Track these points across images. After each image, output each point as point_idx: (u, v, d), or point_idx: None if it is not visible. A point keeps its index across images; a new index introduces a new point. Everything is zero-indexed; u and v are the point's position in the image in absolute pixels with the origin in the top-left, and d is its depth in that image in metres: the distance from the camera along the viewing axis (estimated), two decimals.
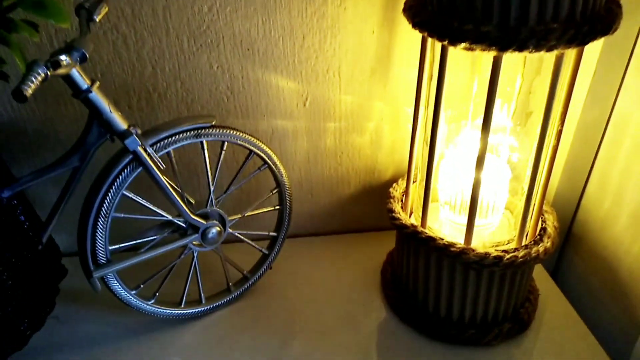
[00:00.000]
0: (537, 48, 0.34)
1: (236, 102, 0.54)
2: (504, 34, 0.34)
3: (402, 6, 0.44)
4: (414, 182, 0.53)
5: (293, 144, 0.58)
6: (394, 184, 0.55)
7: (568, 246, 0.60)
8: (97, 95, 0.39)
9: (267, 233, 0.56)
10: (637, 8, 0.46)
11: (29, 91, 0.31)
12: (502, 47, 0.35)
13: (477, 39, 0.35)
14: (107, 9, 0.40)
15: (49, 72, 0.33)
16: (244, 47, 0.51)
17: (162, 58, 0.50)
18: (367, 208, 0.64)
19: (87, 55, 0.37)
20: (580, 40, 0.35)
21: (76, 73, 0.37)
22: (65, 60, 0.34)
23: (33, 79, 0.31)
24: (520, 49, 0.34)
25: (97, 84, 0.39)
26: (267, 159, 0.51)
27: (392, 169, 0.62)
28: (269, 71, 0.53)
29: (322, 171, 0.61)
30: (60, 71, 0.35)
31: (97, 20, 0.40)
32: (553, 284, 0.57)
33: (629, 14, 0.45)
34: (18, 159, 0.55)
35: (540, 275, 0.58)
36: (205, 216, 0.50)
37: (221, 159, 0.49)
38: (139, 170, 0.44)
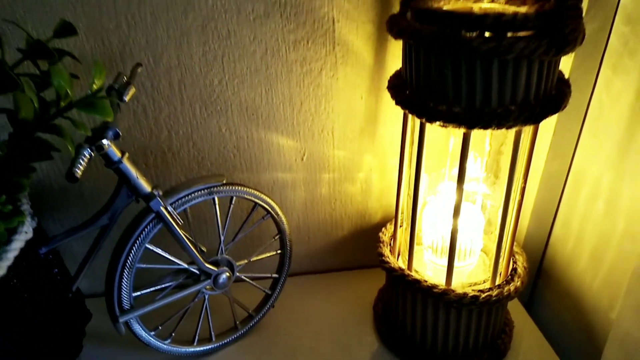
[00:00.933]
0: (499, 126, 0.41)
1: (242, 159, 0.60)
2: (471, 115, 0.41)
3: (387, 77, 0.51)
4: (400, 226, 0.59)
5: (292, 193, 0.64)
6: (383, 229, 0.61)
7: (540, 281, 0.66)
8: (126, 165, 0.45)
9: (269, 275, 0.62)
10: (589, 74, 0.53)
11: (79, 173, 0.37)
12: (470, 126, 0.41)
13: (449, 119, 0.42)
14: (134, 90, 0.46)
15: (92, 154, 0.39)
16: (249, 112, 0.57)
17: (176, 123, 0.56)
18: (359, 248, 0.70)
19: (120, 134, 0.43)
20: (534, 119, 0.41)
21: (111, 149, 0.43)
22: (107, 143, 0.40)
23: (81, 161, 0.37)
24: (484, 127, 0.41)
25: (127, 155, 0.45)
26: (270, 209, 0.57)
27: (381, 213, 0.68)
28: (270, 132, 0.59)
29: (318, 217, 0.67)
30: (102, 152, 0.41)
31: (127, 100, 0.46)
32: (527, 316, 0.63)
33: (585, 73, 0.53)
34: (44, 212, 0.60)
35: (516, 308, 0.64)
36: (215, 263, 0.55)
37: (230, 212, 0.55)
38: (159, 226, 0.50)
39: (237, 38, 0.52)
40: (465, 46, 0.38)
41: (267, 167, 0.61)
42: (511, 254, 0.55)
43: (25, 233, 0.43)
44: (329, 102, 0.58)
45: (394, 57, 0.56)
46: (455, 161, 0.54)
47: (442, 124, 0.42)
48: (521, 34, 0.38)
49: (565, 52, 0.39)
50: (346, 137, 0.61)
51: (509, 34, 0.38)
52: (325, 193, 0.65)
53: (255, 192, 0.55)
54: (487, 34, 0.38)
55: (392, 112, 0.59)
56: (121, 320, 0.50)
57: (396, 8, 0.53)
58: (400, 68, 0.49)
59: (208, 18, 0.51)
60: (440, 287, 0.51)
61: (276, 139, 0.60)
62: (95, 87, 0.37)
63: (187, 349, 0.57)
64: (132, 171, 0.46)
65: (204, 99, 0.55)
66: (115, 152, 0.44)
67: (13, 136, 0.36)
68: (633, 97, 0.48)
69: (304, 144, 0.60)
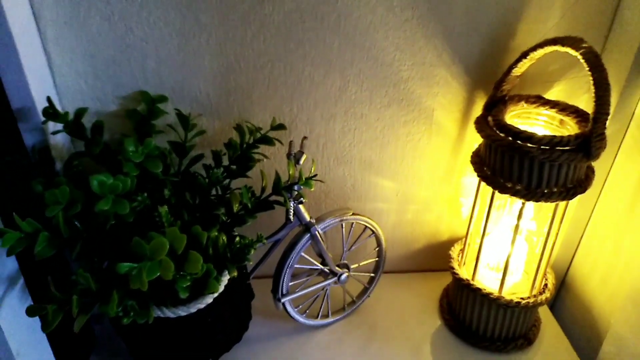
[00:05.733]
0: (546, 201, 0.62)
1: (355, 193, 0.83)
2: (528, 192, 0.62)
3: (464, 145, 0.72)
4: (468, 245, 0.80)
5: (387, 217, 0.86)
6: (452, 247, 0.83)
7: (562, 291, 0.87)
8: (301, 208, 0.68)
9: (369, 274, 0.84)
10: (609, 158, 0.73)
11: (292, 218, 0.60)
12: (527, 200, 0.62)
13: (513, 193, 0.63)
14: (306, 156, 0.68)
15: (294, 203, 0.62)
16: (366, 164, 0.79)
17: (316, 169, 0.79)
18: (430, 257, 0.92)
19: (302, 188, 0.66)
20: (569, 198, 0.62)
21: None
22: (302, 199, 0.63)
23: (292, 212, 0.60)
24: (536, 201, 0.62)
25: (306, 199, 0.68)
26: (374, 230, 0.79)
27: (448, 234, 0.89)
28: (378, 177, 0.81)
29: (402, 234, 0.89)
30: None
31: (301, 163, 0.68)
32: (551, 316, 0.85)
33: (607, 157, 0.72)
34: None
35: (543, 309, 0.85)
36: (339, 266, 0.78)
37: (351, 232, 0.77)
38: (310, 241, 0.73)
39: (366, 118, 0.74)
40: (528, 154, 0.59)
41: (372, 199, 0.84)
42: (544, 274, 0.76)
43: None
44: (422, 160, 0.79)
45: (470, 132, 0.77)
46: (514, 204, 0.75)
47: (509, 195, 0.63)
48: (565, 148, 0.59)
49: (593, 161, 0.59)
50: (430, 182, 0.82)
51: (558, 148, 0.59)
52: (409, 219, 0.87)
53: (368, 219, 0.77)
54: (543, 147, 0.59)
55: (463, 169, 0.81)
56: (283, 300, 0.74)
57: (476, 103, 0.74)
58: (478, 149, 0.70)
59: (349, 106, 0.73)
60: (495, 294, 0.73)
61: (381, 182, 0.82)
62: (311, 173, 0.60)
63: (313, 322, 0.81)
64: (302, 210, 0.69)
65: (337, 155, 0.78)
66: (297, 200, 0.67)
67: (256, 198, 0.60)
68: (638, 178, 0.68)
69: (400, 185, 0.82)
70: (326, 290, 0.80)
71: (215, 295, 0.60)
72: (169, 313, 0.58)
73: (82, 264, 0.50)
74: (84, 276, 0.46)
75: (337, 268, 0.77)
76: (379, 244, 0.82)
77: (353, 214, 0.75)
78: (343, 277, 0.78)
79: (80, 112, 0.62)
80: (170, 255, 0.48)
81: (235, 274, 0.57)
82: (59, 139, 0.67)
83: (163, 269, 0.45)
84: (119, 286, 0.49)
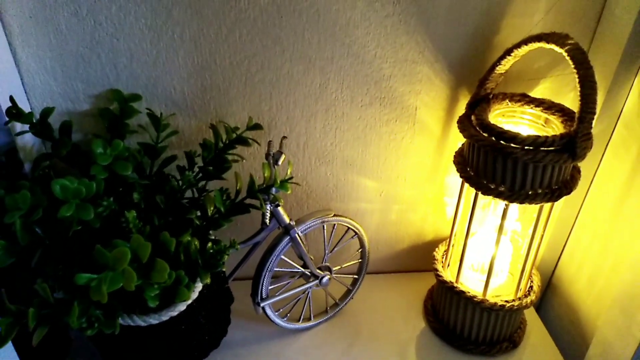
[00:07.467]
0: (530, 203, 0.60)
1: (338, 193, 0.80)
2: (512, 193, 0.60)
3: (448, 143, 0.69)
4: (452, 246, 0.78)
5: (370, 218, 0.84)
6: (436, 248, 0.81)
7: (548, 292, 0.86)
8: (279, 210, 0.66)
9: (352, 275, 0.82)
10: (597, 156, 0.71)
11: (268, 221, 0.57)
12: (511, 201, 0.60)
13: (497, 195, 0.61)
14: (285, 157, 0.66)
15: (271, 206, 0.59)
16: (348, 163, 0.77)
17: (297, 169, 0.76)
18: (414, 257, 0.90)
19: (279, 191, 0.63)
20: (554, 199, 0.60)
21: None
22: (278, 202, 0.60)
23: (268, 214, 0.58)
24: (521, 202, 0.60)
25: (282, 202, 0.65)
26: (357, 231, 0.77)
27: (433, 234, 0.87)
28: (361, 176, 0.78)
29: (386, 234, 0.86)
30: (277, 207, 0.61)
31: (280, 164, 0.65)
32: (537, 317, 0.83)
33: (594, 155, 0.70)
34: None
35: (529, 310, 0.83)
36: (320, 268, 0.76)
37: (333, 234, 0.75)
38: (290, 244, 0.70)
39: (348, 117, 0.71)
40: (512, 155, 0.57)
41: (355, 199, 0.81)
42: (530, 276, 0.74)
43: None
44: (405, 159, 0.77)
45: (454, 131, 0.74)
46: (498, 204, 0.73)
47: (492, 197, 0.61)
48: (550, 148, 0.57)
49: (579, 162, 0.57)
50: (414, 182, 0.80)
51: (542, 149, 0.57)
52: (394, 219, 0.84)
53: (351, 220, 0.75)
54: (527, 147, 0.57)
55: (447, 168, 0.78)
56: (262, 304, 0.72)
57: (460, 101, 0.72)
58: (462, 149, 0.68)
59: (330, 104, 0.70)
60: (479, 297, 0.71)
61: (364, 181, 0.79)
62: (287, 176, 0.58)
63: (295, 325, 0.79)
64: (281, 212, 0.66)
65: (319, 154, 0.75)
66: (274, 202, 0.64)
67: (230, 201, 0.57)
68: (625, 177, 0.66)
69: (384, 185, 0.80)
70: (308, 293, 0.78)
71: (189, 302, 0.58)
72: (140, 321, 0.55)
73: (42, 273, 0.47)
74: (42, 287, 0.43)
75: (318, 271, 0.75)
76: (362, 245, 0.79)
77: (335, 215, 0.73)
78: (325, 279, 0.76)
79: (47, 112, 0.59)
80: (135, 263, 0.45)
81: (209, 280, 0.55)
82: (28, 140, 0.64)
83: (125, 279, 0.42)
84: (83, 296, 0.46)
